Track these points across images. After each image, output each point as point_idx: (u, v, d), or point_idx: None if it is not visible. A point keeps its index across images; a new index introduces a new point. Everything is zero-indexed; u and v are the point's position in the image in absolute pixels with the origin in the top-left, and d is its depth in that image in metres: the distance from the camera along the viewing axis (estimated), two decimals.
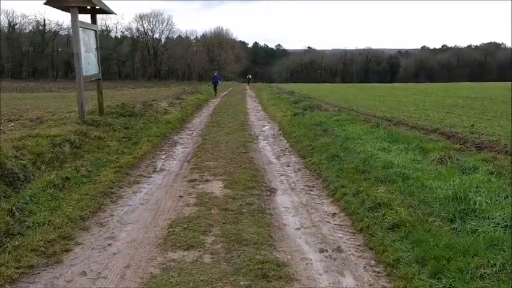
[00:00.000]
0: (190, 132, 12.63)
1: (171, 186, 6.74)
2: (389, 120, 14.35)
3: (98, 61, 12.01)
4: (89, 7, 11.11)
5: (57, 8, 10.17)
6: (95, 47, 11.77)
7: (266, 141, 10.93)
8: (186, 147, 10.10)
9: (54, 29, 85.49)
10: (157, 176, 7.43)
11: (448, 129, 11.91)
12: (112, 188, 6.45)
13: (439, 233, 4.30)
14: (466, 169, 6.95)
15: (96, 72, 11.86)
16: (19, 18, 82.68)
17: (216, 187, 6.56)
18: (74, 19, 9.97)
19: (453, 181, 6.14)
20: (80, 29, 10.41)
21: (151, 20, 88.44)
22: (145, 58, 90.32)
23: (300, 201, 6.02)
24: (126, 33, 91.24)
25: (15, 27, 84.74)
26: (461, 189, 5.61)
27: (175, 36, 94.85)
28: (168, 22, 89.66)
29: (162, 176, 7.39)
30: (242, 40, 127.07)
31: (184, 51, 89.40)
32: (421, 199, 5.35)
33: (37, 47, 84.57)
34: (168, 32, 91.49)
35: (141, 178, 7.21)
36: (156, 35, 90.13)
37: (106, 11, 11.85)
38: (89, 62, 11.06)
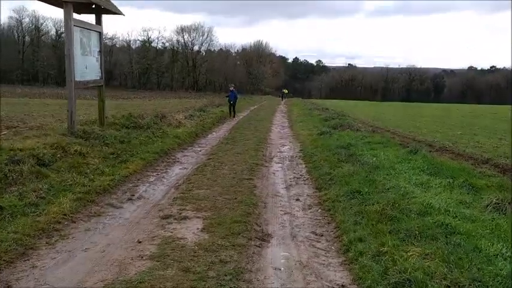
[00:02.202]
0: (199, 149, 11.17)
1: (137, 223, 5.22)
2: (431, 146, 12.39)
3: (100, 66, 10.81)
4: (93, 6, 10.00)
5: (49, 3, 9.02)
6: (97, 50, 10.58)
7: (280, 165, 9.28)
8: (185, 168, 8.61)
9: None
10: (130, 206, 5.94)
11: (503, 161, 9.87)
12: (60, 222, 5.01)
13: None
14: None
15: (97, 78, 10.65)
16: (63, 28, 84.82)
17: (191, 229, 4.98)
18: (68, 16, 8.77)
19: None
20: (77, 28, 9.25)
21: (191, 32, 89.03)
22: (184, 69, 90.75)
23: (299, 259, 4.35)
24: (167, 44, 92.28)
25: (62, 35, 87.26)
26: None
27: (215, 49, 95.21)
28: (208, 34, 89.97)
29: (134, 207, 5.89)
30: (282, 55, 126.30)
31: (223, 64, 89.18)
32: (474, 275, 3.58)
33: None
34: (207, 44, 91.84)
35: (107, 209, 5.74)
36: (196, 47, 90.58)
37: (112, 11, 10.67)
38: (86, 66, 9.85)
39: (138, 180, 7.42)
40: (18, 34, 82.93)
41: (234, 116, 21.29)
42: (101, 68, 10.83)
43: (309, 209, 6.15)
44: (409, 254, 4.03)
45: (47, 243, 4.48)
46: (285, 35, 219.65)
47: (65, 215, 5.20)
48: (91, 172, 7.09)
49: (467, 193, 6.54)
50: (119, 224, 5.17)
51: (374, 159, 8.88)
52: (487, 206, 5.79)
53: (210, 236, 4.73)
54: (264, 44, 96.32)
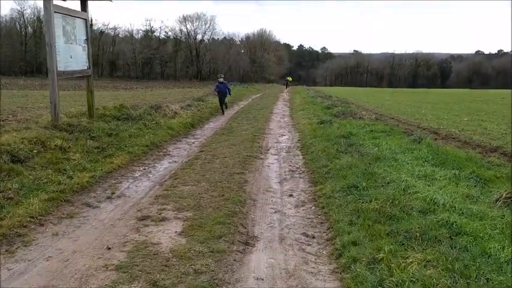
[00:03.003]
0: (193, 140, 10.69)
1: (111, 226, 4.77)
2: (436, 133, 11.86)
3: (87, 55, 10.29)
4: None
5: None
6: (83, 38, 10.07)
7: (276, 157, 8.79)
8: (174, 162, 8.15)
9: (101, 29, 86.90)
10: (108, 206, 5.49)
11: None
12: (25, 226, 4.56)
13: None
14: None
15: (84, 67, 10.15)
16: None
17: (168, 233, 4.52)
18: (47, 2, 8.26)
19: None
20: (59, 15, 8.74)
21: (194, 21, 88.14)
22: (188, 59, 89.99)
23: (285, 267, 3.88)
24: (170, 34, 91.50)
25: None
26: None
27: (219, 38, 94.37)
28: (211, 23, 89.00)
29: (112, 207, 5.44)
30: (287, 42, 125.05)
31: (226, 53, 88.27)
32: None
33: None
34: (210, 33, 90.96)
35: (81, 209, 5.29)
36: (199, 36, 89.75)
37: None
38: (71, 56, 9.35)
39: (122, 176, 6.97)
40: (20, 26, 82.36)
41: (223, 113, 17.36)
42: (88, 57, 10.31)
43: (302, 206, 5.66)
44: (408, 261, 3.54)
45: (6, 251, 4.03)
46: (290, 22, 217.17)
47: (32, 217, 4.76)
48: (71, 168, 6.64)
49: (475, 186, 6.04)
50: (91, 227, 4.72)
51: (375, 149, 8.38)
52: (497, 200, 5.29)
53: (188, 241, 4.27)
54: (267, 32, 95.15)
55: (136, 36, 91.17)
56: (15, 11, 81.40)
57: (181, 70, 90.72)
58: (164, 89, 45.17)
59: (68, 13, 9.17)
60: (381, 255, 3.69)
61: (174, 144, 10.13)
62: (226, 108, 18.08)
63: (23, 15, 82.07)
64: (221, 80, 17.32)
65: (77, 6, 10.14)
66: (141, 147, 8.78)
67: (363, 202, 5.11)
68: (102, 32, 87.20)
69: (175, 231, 4.54)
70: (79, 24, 9.82)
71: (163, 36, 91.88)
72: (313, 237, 4.59)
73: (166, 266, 3.71)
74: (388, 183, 5.87)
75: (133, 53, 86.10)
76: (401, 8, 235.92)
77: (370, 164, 6.99)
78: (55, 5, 8.51)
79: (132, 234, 4.49)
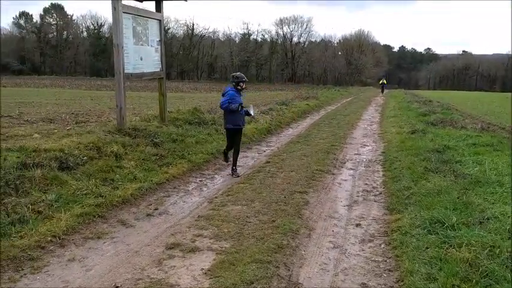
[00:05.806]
0: (265, 149, 9.87)
1: (135, 253, 4.09)
2: None
3: (160, 57, 9.99)
4: None
5: None
6: (157, 39, 9.78)
7: (352, 172, 7.63)
8: None
9: (202, 32, 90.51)
10: (144, 225, 4.86)
11: None
12: (43, 247, 4.08)
13: None
14: None
15: (156, 70, 9.83)
16: (172, 22, 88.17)
17: (193, 270, 3.71)
18: (115, 2, 8.00)
19: None
20: (128, 15, 8.46)
21: (290, 23, 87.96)
22: (283, 61, 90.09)
23: None
24: (266, 36, 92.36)
25: (169, 31, 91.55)
26: None
27: (314, 40, 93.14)
28: (307, 25, 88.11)
29: (148, 227, 4.80)
30: (387, 44, 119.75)
31: (322, 55, 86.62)
32: None
33: (186, 49, 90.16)
34: (307, 35, 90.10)
35: (113, 228, 4.72)
36: (295, 39, 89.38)
37: None
38: (141, 57, 9.06)
39: (174, 188, 6.36)
40: None
41: (227, 160, 7.81)
42: (161, 59, 10.01)
43: (370, 241, 4.53)
44: None
45: (9, 279, 3.54)
46: (392, 23, 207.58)
47: (54, 236, 4.28)
48: (121, 178, 6.18)
49: None
50: (113, 254, 4.09)
51: (477, 169, 6.83)
52: None
53: (211, 285, 3.43)
54: (366, 33, 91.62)
55: (234, 39, 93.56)
56: None
57: (276, 72, 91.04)
58: (255, 91, 45.17)
59: (139, 14, 8.89)
60: None
61: (243, 152, 9.37)
62: (236, 157, 7.50)
63: None
64: (243, 85, 7.40)
65: (151, 6, 9.94)
66: (205, 155, 8.17)
67: (448, 247, 3.86)
68: (202, 36, 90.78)
69: (202, 269, 3.73)
70: (152, 25, 9.53)
71: (260, 39, 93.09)
72: None
73: None
74: (488, 219, 4.49)
75: (231, 56, 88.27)
76: None
77: (466, 189, 5.58)
78: (124, 5, 8.23)
79: (152, 268, 3.77)
